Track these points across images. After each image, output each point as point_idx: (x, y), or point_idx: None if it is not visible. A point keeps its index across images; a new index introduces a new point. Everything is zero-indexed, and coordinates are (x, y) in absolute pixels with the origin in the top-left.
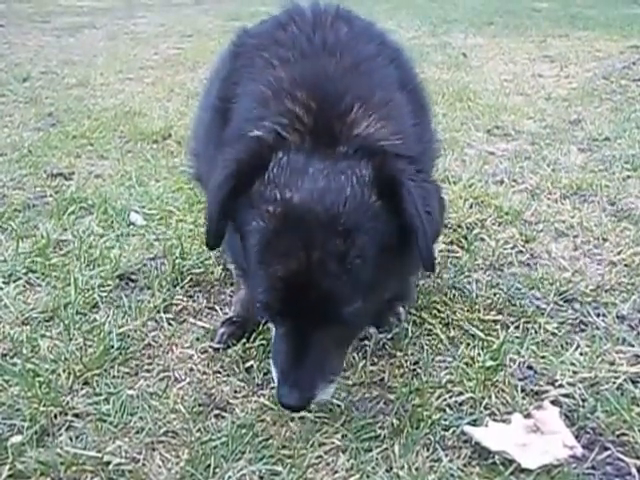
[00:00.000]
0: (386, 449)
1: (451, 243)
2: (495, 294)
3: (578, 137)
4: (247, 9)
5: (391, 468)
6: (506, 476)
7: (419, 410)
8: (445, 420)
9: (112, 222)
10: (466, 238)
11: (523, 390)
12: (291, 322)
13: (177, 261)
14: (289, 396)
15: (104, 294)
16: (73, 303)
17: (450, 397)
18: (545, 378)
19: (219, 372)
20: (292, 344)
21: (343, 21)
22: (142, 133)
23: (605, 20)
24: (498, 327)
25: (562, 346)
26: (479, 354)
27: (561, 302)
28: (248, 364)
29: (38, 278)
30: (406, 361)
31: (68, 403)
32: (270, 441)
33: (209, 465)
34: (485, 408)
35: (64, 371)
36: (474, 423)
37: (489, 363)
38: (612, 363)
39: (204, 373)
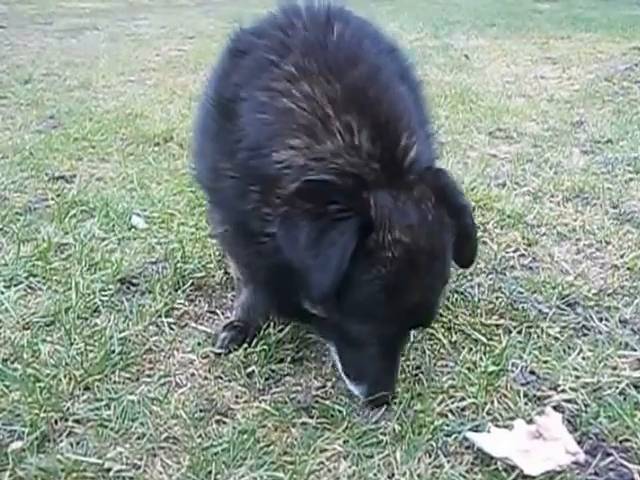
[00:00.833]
0: (388, 455)
1: None
2: (497, 298)
3: (580, 139)
4: (249, 11)
5: (393, 474)
6: None
7: (421, 416)
8: (447, 426)
9: (113, 225)
10: None
11: (525, 395)
12: (405, 331)
13: (178, 265)
14: (390, 387)
15: (105, 298)
16: (74, 307)
17: (452, 402)
18: (547, 383)
19: (220, 377)
20: (397, 348)
21: (344, 22)
22: (144, 135)
23: (607, 21)
24: (500, 331)
25: (564, 351)
26: (481, 359)
27: (563, 306)
28: (249, 369)
29: (39, 282)
30: (408, 366)
31: (69, 409)
32: (272, 447)
33: (210, 471)
34: (487, 414)
35: (65, 376)
36: (476, 429)
37: (491, 368)
38: (615, 368)
39: (205, 378)
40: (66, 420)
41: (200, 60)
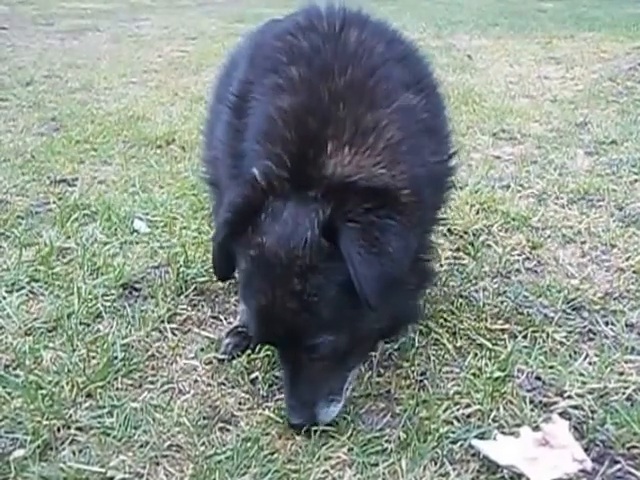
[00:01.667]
0: (393, 463)
1: (457, 250)
2: (502, 302)
3: (584, 140)
4: (251, 11)
5: None
6: None
7: (426, 423)
8: (453, 433)
9: (116, 229)
10: (473, 245)
11: (532, 402)
12: (279, 350)
13: (181, 269)
14: (291, 415)
15: (107, 304)
16: (76, 313)
17: (458, 409)
18: (554, 389)
19: (224, 384)
20: (287, 368)
21: (359, 28)
22: (146, 138)
23: (611, 20)
24: (505, 336)
25: (570, 356)
26: (487, 365)
27: (569, 310)
28: (253, 375)
29: (41, 287)
30: (413, 372)
31: (71, 416)
32: (276, 455)
33: None
34: (493, 420)
35: (67, 383)
36: (482, 436)
37: (497, 374)
38: (621, 373)
39: (209, 385)
40: (68, 428)
41: (202, 61)
